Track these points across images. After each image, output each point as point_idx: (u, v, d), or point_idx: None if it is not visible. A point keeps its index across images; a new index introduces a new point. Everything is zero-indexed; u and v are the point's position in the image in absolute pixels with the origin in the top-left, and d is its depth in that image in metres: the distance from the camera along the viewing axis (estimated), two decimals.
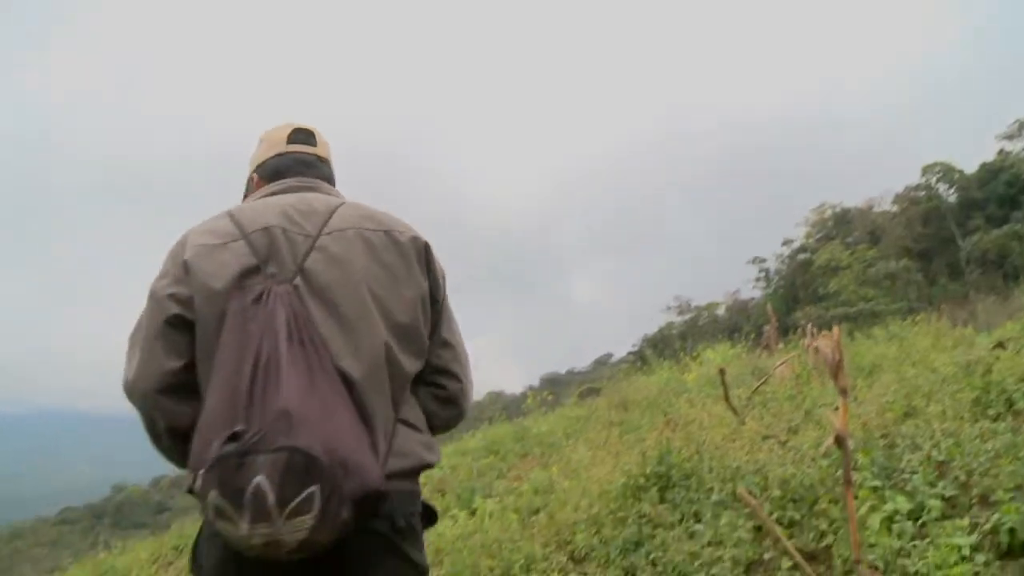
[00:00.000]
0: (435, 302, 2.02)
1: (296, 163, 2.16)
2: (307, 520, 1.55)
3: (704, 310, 50.79)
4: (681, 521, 4.00)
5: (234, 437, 1.56)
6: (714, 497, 4.09)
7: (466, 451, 9.10)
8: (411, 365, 1.94)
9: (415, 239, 2.00)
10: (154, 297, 1.85)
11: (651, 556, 3.76)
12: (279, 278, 1.81)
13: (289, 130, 2.21)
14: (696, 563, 3.50)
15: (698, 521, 3.93)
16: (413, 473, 1.92)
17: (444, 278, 2.07)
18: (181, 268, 1.84)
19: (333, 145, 2.32)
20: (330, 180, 2.21)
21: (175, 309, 1.80)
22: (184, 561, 7.36)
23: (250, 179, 2.23)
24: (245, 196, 2.23)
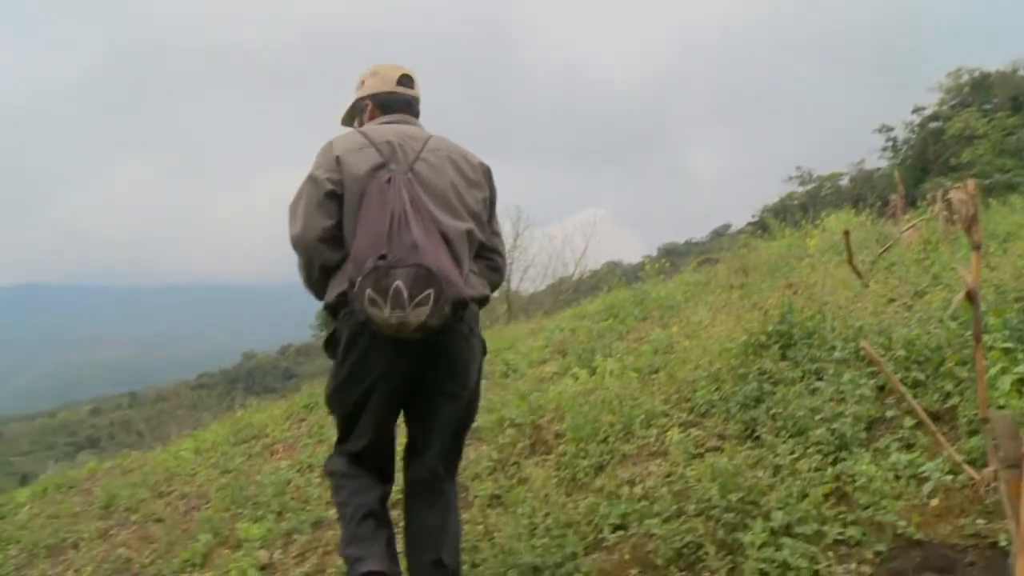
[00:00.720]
0: (491, 204, 3.16)
1: (401, 102, 3.21)
2: (425, 310, 2.60)
3: (826, 180, 48.95)
4: (802, 378, 4.02)
5: (382, 258, 2.60)
6: (836, 355, 4.08)
7: (585, 315, 9.22)
8: (478, 236, 3.03)
9: (482, 163, 3.16)
10: (315, 180, 2.88)
11: (772, 411, 3.82)
12: (398, 172, 2.84)
13: (399, 73, 3.23)
14: (817, 418, 3.54)
15: (819, 379, 3.94)
16: (478, 300, 2.98)
17: (494, 191, 3.17)
18: (334, 161, 2.89)
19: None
20: (418, 115, 3.25)
21: (330, 187, 2.85)
22: (315, 417, 7.79)
23: (364, 104, 3.24)
24: (354, 108, 3.31)
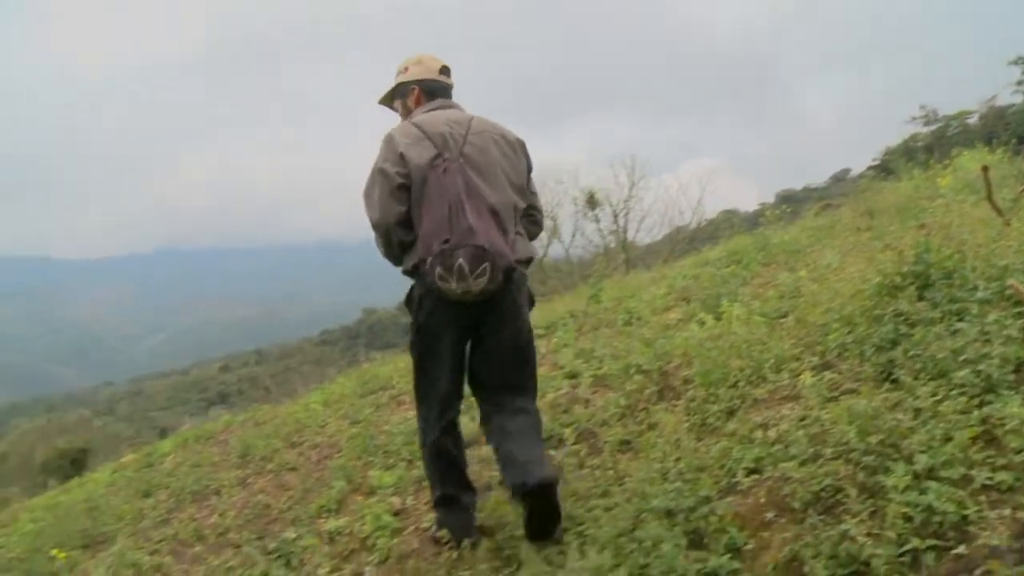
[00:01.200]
0: (529, 171, 3.80)
1: (443, 89, 3.85)
2: (483, 280, 3.27)
3: (953, 119, 46.25)
4: (942, 319, 3.84)
5: (445, 242, 3.25)
6: (979, 295, 3.89)
7: (707, 262, 9.08)
8: (521, 204, 3.69)
9: (518, 139, 3.77)
10: (385, 174, 3.49)
11: (909, 353, 3.67)
12: (451, 160, 3.42)
13: (439, 64, 3.86)
14: (960, 359, 3.39)
15: (960, 319, 3.77)
16: (524, 262, 3.65)
17: (531, 164, 3.81)
18: (399, 157, 3.48)
19: None
20: (453, 101, 3.85)
21: (400, 180, 3.46)
22: None
23: (411, 88, 3.84)
24: (396, 91, 3.93)
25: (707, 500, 3.28)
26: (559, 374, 6.24)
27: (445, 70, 3.88)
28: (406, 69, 3.88)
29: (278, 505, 5.70)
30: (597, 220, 24.57)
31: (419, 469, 5.26)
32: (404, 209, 3.50)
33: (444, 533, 3.93)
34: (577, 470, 4.36)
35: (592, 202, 24.31)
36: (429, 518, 4.57)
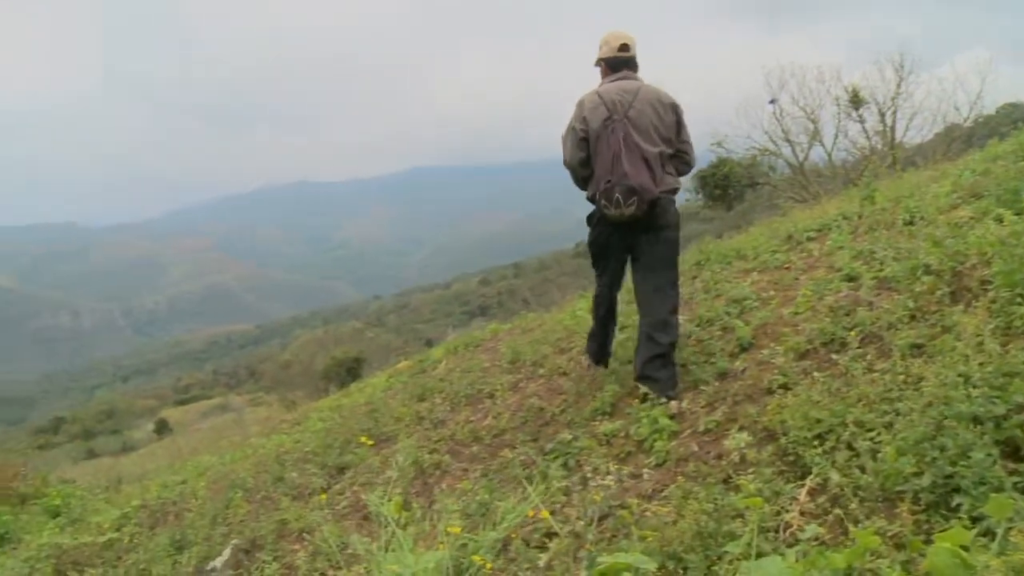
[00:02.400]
0: (679, 124, 5.06)
1: (622, 63, 5.16)
2: (632, 207, 4.79)
3: None
4: None
5: (608, 182, 4.82)
6: None
7: (996, 156, 8.20)
8: (668, 150, 5.02)
9: (672, 102, 5.03)
10: (574, 130, 5.06)
11: None
12: (618, 119, 4.83)
13: (619, 42, 5.14)
14: None
15: None
16: (669, 191, 5.05)
17: (682, 113, 5.06)
18: (583, 118, 4.99)
19: None
20: (636, 68, 5.20)
21: (582, 135, 5.00)
22: (707, 273, 7.74)
23: (600, 63, 5.26)
24: (598, 62, 5.30)
25: (1020, 408, 2.96)
26: (836, 277, 5.89)
27: (624, 46, 5.23)
28: (600, 48, 5.31)
29: (551, 408, 5.81)
30: (862, 120, 22.90)
31: (692, 374, 5.28)
32: (584, 155, 5.14)
33: (585, 357, 6.20)
34: (865, 373, 4.12)
35: (856, 101, 22.61)
36: (707, 421, 4.51)
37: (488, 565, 2.99)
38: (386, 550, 2.77)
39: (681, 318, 6.30)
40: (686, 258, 9.33)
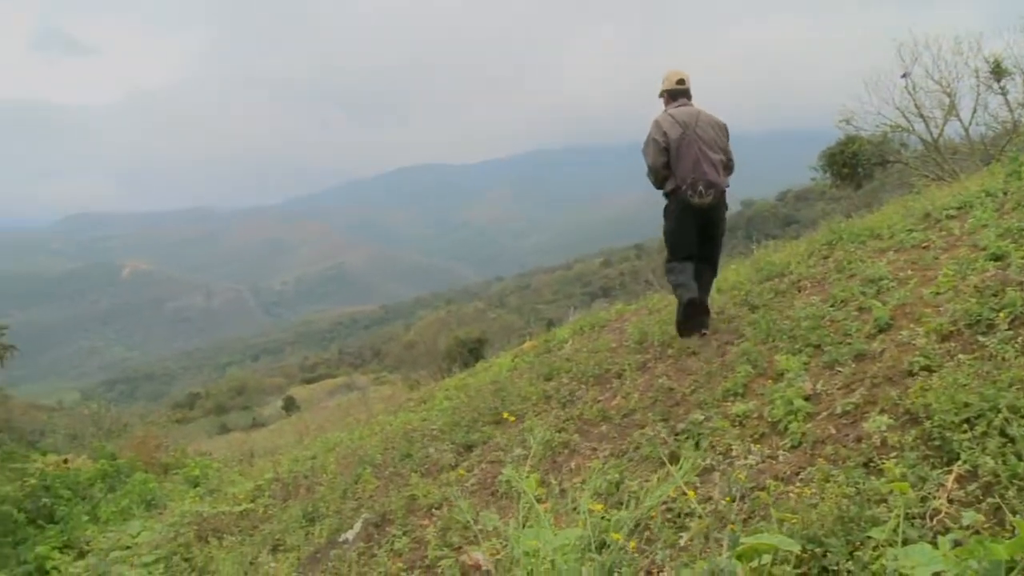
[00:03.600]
0: (727, 139, 7.04)
1: (680, 93, 7.09)
2: (710, 196, 6.76)
3: None
4: None
5: (693, 178, 6.75)
6: None
7: None
8: (723, 159, 6.95)
9: (723, 123, 7.05)
10: (656, 141, 6.88)
11: None
12: (690, 135, 6.77)
13: (676, 78, 7.10)
14: None
15: None
16: (725, 188, 6.95)
17: (728, 135, 7.08)
18: (663, 132, 6.84)
19: None
20: (690, 97, 7.11)
21: (663, 145, 6.83)
22: (840, 253, 7.51)
23: (664, 94, 7.16)
24: (662, 93, 7.22)
25: None
26: (981, 256, 5.63)
27: (681, 81, 7.15)
28: (662, 82, 7.21)
29: (681, 388, 5.74)
30: (1004, 92, 21.61)
31: (828, 355, 5.12)
32: (665, 160, 6.86)
33: (680, 292, 7.01)
34: (1018, 357, 3.96)
35: (999, 71, 21.28)
36: (844, 403, 4.37)
37: (632, 544, 2.97)
38: (523, 526, 2.77)
39: (813, 297, 6.35)
40: (816, 237, 9.10)
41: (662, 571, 3.39)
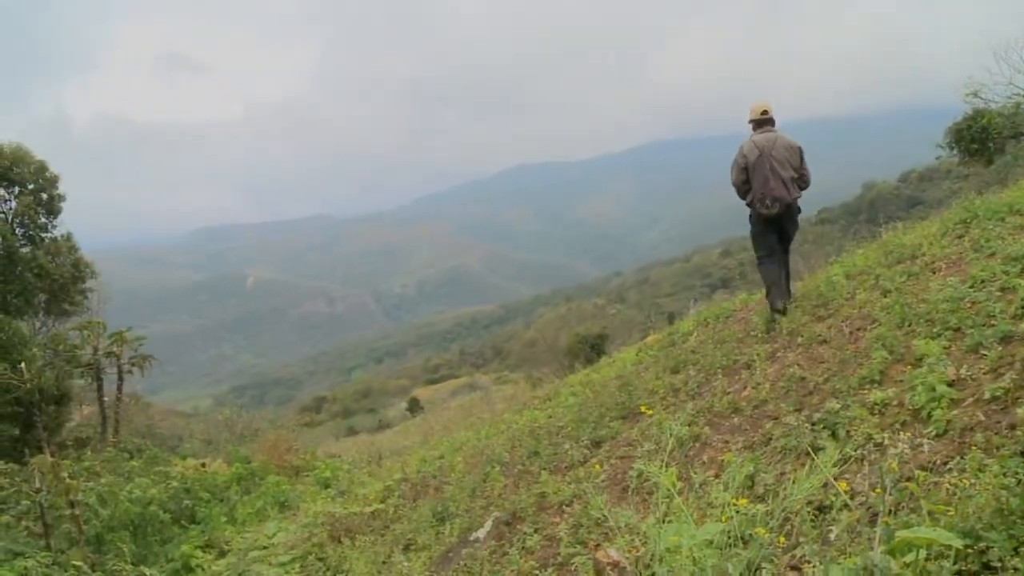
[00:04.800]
0: (801, 158, 8.29)
1: (764, 122, 8.44)
2: (776, 207, 8.11)
3: None
4: None
5: (763, 193, 8.14)
6: None
7: None
8: (794, 175, 8.22)
9: (797, 145, 8.30)
10: (738, 163, 8.38)
11: None
12: (765, 157, 8.14)
13: (761, 110, 8.45)
14: None
15: None
16: (796, 199, 8.29)
17: (803, 151, 8.32)
18: (743, 155, 8.30)
19: None
20: (773, 123, 8.47)
21: (744, 165, 8.30)
22: (976, 231, 7.21)
23: (751, 123, 8.49)
24: (751, 124, 8.54)
25: None
26: None
27: (764, 112, 8.37)
28: (750, 113, 8.44)
29: (814, 377, 5.57)
30: None
31: (971, 338, 4.86)
32: (744, 178, 8.21)
33: (769, 285, 8.27)
34: None
35: None
36: (992, 388, 4.14)
37: (781, 539, 2.87)
38: (662, 521, 2.71)
39: (951, 279, 6.10)
40: (949, 216, 8.75)
41: (803, 566, 3.28)
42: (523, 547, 5.22)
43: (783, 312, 7.98)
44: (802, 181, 8.29)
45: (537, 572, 4.77)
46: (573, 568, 4.43)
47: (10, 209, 25.01)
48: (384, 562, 6.52)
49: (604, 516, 3.70)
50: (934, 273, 6.79)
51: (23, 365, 19.76)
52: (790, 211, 8.24)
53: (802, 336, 6.69)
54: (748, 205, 8.37)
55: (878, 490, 3.38)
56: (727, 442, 5.28)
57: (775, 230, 8.34)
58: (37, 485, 9.68)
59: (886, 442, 4.13)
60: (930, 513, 3.05)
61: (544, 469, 6.43)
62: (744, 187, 8.32)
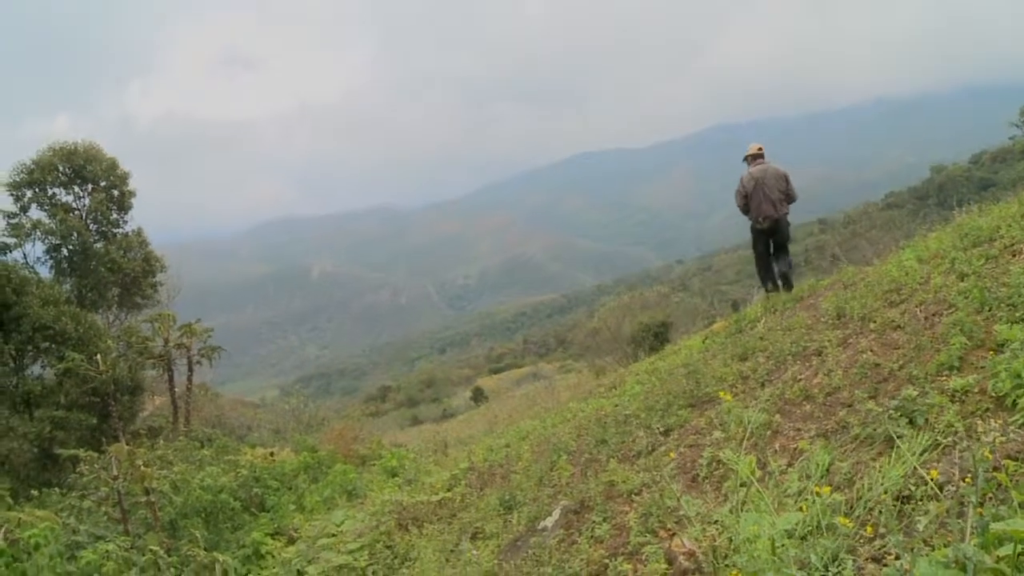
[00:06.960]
0: (788, 182, 11.91)
1: (757, 157, 12.22)
2: (768, 222, 11.69)
3: None
4: None
5: (759, 211, 11.75)
6: None
7: None
8: (783, 194, 11.86)
9: (784, 173, 11.92)
10: (739, 192, 12.05)
11: None
12: (759, 185, 11.73)
13: (756, 149, 12.35)
14: None
15: None
16: (783, 215, 11.85)
17: (789, 177, 11.99)
18: (743, 186, 11.96)
19: None
20: (764, 158, 12.22)
21: (744, 192, 11.93)
22: None
23: (747, 159, 12.28)
24: (746, 158, 12.38)
25: None
26: None
27: (759, 149, 12.09)
28: (747, 151, 12.10)
29: (888, 364, 5.41)
30: None
31: None
32: (744, 202, 11.72)
33: (762, 275, 12.15)
34: None
35: None
36: None
37: (869, 528, 2.78)
38: (738, 510, 2.65)
39: None
40: None
41: (885, 558, 3.19)
42: (592, 536, 5.17)
43: (769, 291, 11.74)
44: (788, 199, 11.70)
45: (607, 561, 4.71)
46: (644, 557, 4.37)
47: (84, 206, 25.67)
48: (452, 550, 6.53)
49: (677, 504, 3.63)
50: (1014, 256, 6.55)
51: (99, 357, 20.29)
52: (778, 224, 11.57)
53: (875, 322, 6.50)
54: (750, 220, 11.78)
55: (967, 480, 3.26)
56: (799, 430, 5.16)
57: (767, 239, 11.87)
58: (114, 472, 9.93)
59: (972, 430, 4.00)
60: (1021, 505, 2.93)
61: (612, 457, 6.37)
62: (745, 209, 11.77)
